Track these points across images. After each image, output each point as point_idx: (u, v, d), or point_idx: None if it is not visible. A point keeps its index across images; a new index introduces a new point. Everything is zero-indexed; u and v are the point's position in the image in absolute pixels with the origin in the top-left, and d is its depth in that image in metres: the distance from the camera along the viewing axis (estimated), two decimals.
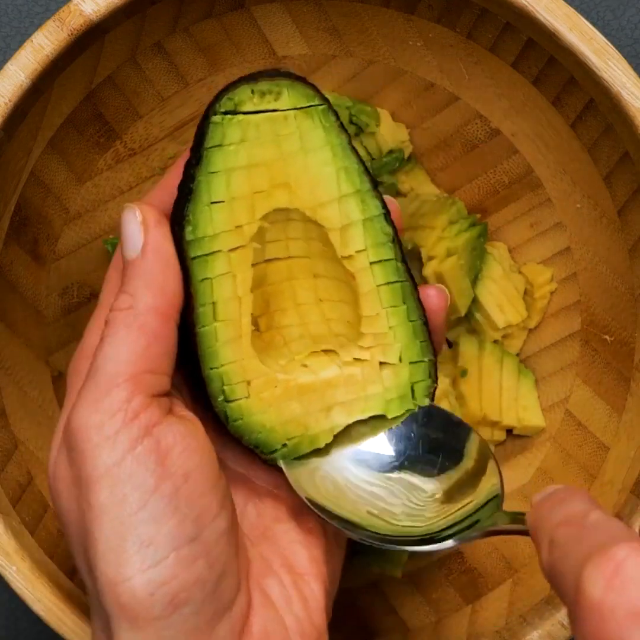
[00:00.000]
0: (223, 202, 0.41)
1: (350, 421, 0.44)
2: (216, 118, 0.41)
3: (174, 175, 0.43)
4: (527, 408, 0.55)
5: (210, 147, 0.42)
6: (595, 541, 0.33)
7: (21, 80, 0.46)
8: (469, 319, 0.55)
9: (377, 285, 0.43)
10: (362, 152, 0.55)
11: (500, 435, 0.56)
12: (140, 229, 0.40)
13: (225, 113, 0.41)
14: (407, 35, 0.52)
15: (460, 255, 0.53)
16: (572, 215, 0.54)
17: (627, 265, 0.52)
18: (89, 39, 0.47)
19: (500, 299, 0.55)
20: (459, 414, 0.54)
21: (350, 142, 0.43)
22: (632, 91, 0.46)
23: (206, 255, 0.41)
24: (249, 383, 0.42)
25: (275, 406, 0.43)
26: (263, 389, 0.42)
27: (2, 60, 0.58)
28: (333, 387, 0.44)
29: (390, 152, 0.55)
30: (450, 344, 0.56)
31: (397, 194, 0.55)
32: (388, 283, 0.43)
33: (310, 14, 0.52)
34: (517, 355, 0.56)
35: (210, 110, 0.42)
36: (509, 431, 0.56)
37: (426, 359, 0.44)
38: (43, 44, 0.46)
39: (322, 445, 0.43)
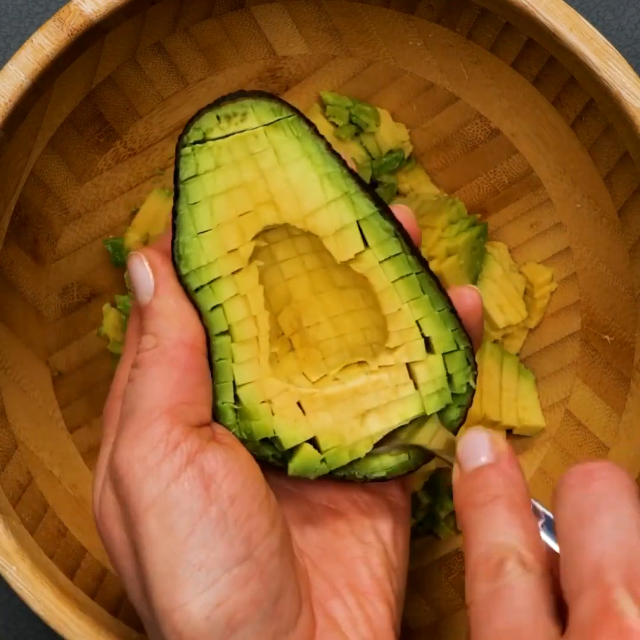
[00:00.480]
0: (210, 230, 0.42)
1: (390, 427, 0.42)
2: (186, 150, 0.42)
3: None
4: (527, 408, 0.55)
5: (186, 179, 0.42)
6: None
7: (21, 80, 0.46)
8: None
9: (392, 281, 0.42)
10: (362, 152, 0.55)
11: None
12: (149, 272, 0.41)
13: (195, 143, 0.42)
14: (407, 35, 0.52)
15: (460, 255, 0.53)
16: (572, 215, 0.54)
17: (627, 265, 0.52)
18: (89, 39, 0.47)
19: (500, 299, 0.55)
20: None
21: (328, 147, 0.42)
22: (632, 91, 0.46)
23: (207, 284, 0.41)
24: (270, 402, 0.42)
25: (303, 420, 0.42)
26: (286, 405, 0.42)
27: (2, 60, 0.58)
28: (361, 394, 0.43)
29: (390, 152, 0.55)
30: None
31: (397, 194, 0.55)
32: (402, 277, 0.42)
33: (310, 14, 0.52)
34: (517, 355, 0.56)
35: (179, 144, 0.42)
36: (509, 431, 0.56)
37: (462, 347, 0.43)
38: (43, 44, 0.46)
39: (362, 454, 0.42)
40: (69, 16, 0.46)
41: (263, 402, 0.42)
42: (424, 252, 0.53)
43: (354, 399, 0.43)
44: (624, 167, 0.49)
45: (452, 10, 0.50)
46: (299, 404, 0.42)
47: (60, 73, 0.48)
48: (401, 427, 0.43)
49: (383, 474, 0.43)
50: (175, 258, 0.41)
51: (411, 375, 0.43)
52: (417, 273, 0.42)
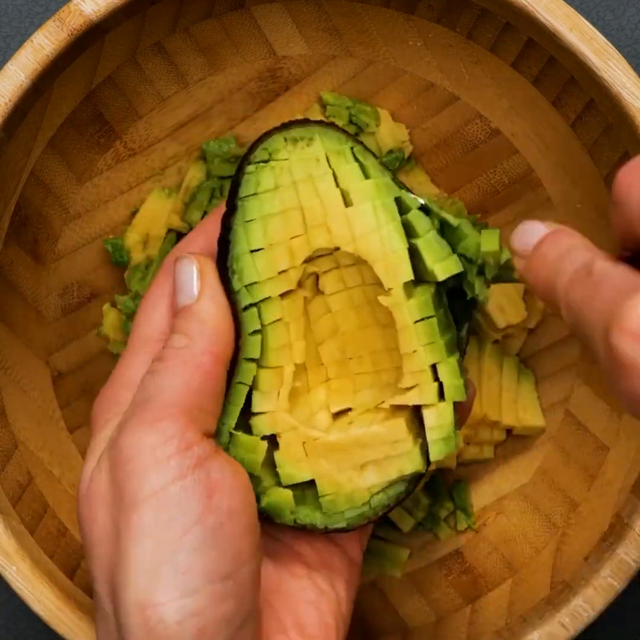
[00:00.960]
0: (262, 249, 0.42)
1: (387, 481, 0.43)
2: (250, 168, 0.42)
3: (211, 221, 0.45)
4: (527, 408, 0.55)
5: (245, 197, 0.42)
6: (609, 299, 0.33)
7: (21, 80, 0.46)
8: None
9: (414, 322, 0.42)
10: None
11: (500, 435, 0.56)
12: (197, 277, 0.42)
13: (259, 162, 0.42)
14: (407, 35, 0.52)
15: None
16: (572, 215, 0.54)
17: None
18: (89, 39, 0.47)
19: (500, 300, 0.55)
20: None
21: (394, 178, 0.43)
22: (632, 91, 0.46)
23: (258, 303, 0.42)
24: (279, 436, 0.43)
25: (305, 461, 0.43)
26: (292, 443, 0.43)
27: (2, 60, 0.58)
28: (362, 446, 0.43)
29: (390, 152, 0.55)
30: None
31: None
32: (424, 319, 0.42)
33: (310, 14, 0.52)
34: (517, 355, 0.56)
35: (244, 162, 0.42)
36: (509, 431, 0.56)
37: (463, 399, 0.43)
38: (43, 44, 0.46)
39: (359, 504, 0.43)
40: (69, 16, 0.46)
41: (264, 437, 0.42)
42: None
43: (354, 451, 0.43)
44: None
45: (452, 10, 0.50)
46: (303, 444, 0.43)
47: (60, 73, 0.48)
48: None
49: (344, 524, 0.43)
50: (228, 272, 0.42)
51: (412, 421, 0.43)
52: (437, 317, 0.43)
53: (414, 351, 0.42)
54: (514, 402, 0.55)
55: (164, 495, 0.37)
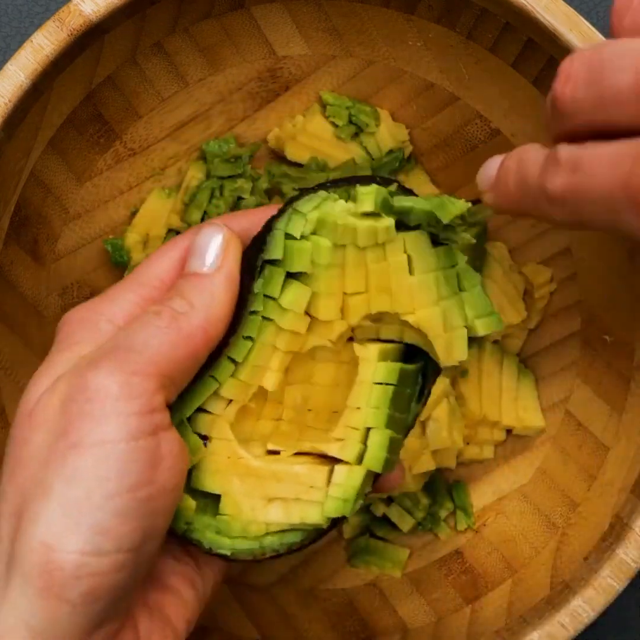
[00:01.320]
0: (305, 274, 0.41)
1: (286, 524, 0.42)
2: (337, 205, 0.41)
3: (264, 209, 0.43)
4: (527, 408, 0.55)
5: (307, 211, 0.41)
6: (611, 163, 0.34)
7: (21, 80, 0.46)
8: None
9: (374, 382, 0.42)
10: (362, 152, 0.55)
11: (500, 435, 0.56)
12: (222, 249, 0.41)
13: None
14: (407, 36, 0.52)
15: None
16: None
17: (627, 265, 0.52)
18: (89, 39, 0.47)
19: (500, 299, 0.55)
20: (459, 413, 0.54)
21: (470, 262, 0.42)
22: None
23: (266, 318, 0.41)
24: (210, 440, 0.42)
25: (218, 474, 0.42)
26: (217, 452, 0.42)
27: (2, 60, 0.58)
28: (278, 480, 0.42)
29: (390, 152, 0.55)
30: None
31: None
32: (387, 384, 0.42)
33: (310, 14, 0.52)
34: (517, 355, 0.56)
35: (329, 189, 0.41)
36: (509, 431, 0.56)
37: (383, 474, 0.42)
38: (43, 44, 0.46)
39: (251, 536, 0.42)
40: (69, 16, 0.46)
41: (203, 436, 0.41)
42: None
43: (268, 481, 0.42)
44: None
45: (452, 10, 0.50)
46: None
47: (60, 73, 0.48)
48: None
49: (228, 552, 0.42)
50: (256, 270, 0.40)
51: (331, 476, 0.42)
52: (402, 389, 0.42)
53: (358, 408, 0.42)
54: (514, 402, 0.55)
55: (111, 449, 0.36)
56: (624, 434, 0.52)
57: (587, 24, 0.46)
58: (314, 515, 0.42)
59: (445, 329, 0.41)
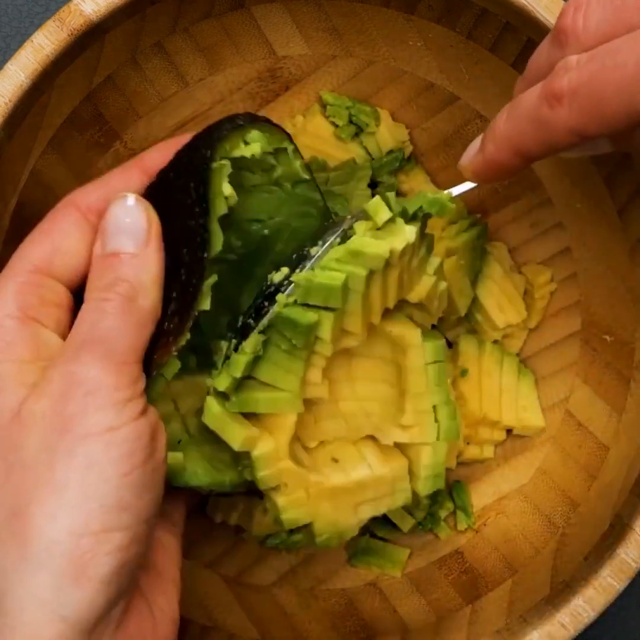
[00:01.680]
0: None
1: (378, 513, 0.45)
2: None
3: (174, 142, 0.44)
4: (527, 408, 0.55)
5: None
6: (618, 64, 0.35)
7: (21, 80, 0.46)
8: (469, 319, 0.55)
9: (426, 363, 0.45)
10: (362, 152, 0.55)
11: (500, 435, 0.56)
12: (145, 221, 0.42)
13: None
14: (407, 35, 0.52)
15: (461, 255, 0.53)
16: (572, 215, 0.54)
17: (627, 265, 0.52)
18: (89, 39, 0.47)
19: (501, 299, 0.55)
20: (459, 414, 0.54)
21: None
22: None
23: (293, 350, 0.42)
24: (285, 484, 0.43)
25: (306, 506, 0.44)
26: (296, 489, 0.43)
27: (2, 60, 0.58)
28: (363, 487, 0.44)
29: (390, 152, 0.55)
30: (450, 344, 0.56)
31: (397, 194, 0.55)
32: (435, 362, 0.45)
33: (310, 14, 0.52)
34: (517, 355, 0.56)
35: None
36: (509, 431, 0.56)
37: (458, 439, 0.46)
38: (43, 44, 0.46)
39: (348, 538, 0.45)
40: (69, 16, 0.46)
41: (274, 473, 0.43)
42: None
43: (356, 492, 0.44)
44: (624, 167, 0.49)
45: (452, 10, 0.50)
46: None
47: (60, 73, 0.48)
48: None
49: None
50: (199, 233, 0.41)
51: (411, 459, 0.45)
52: (443, 361, 0.45)
53: (421, 392, 0.44)
54: (514, 402, 0.55)
55: (118, 434, 0.38)
56: (624, 434, 0.52)
57: None
58: (402, 500, 0.45)
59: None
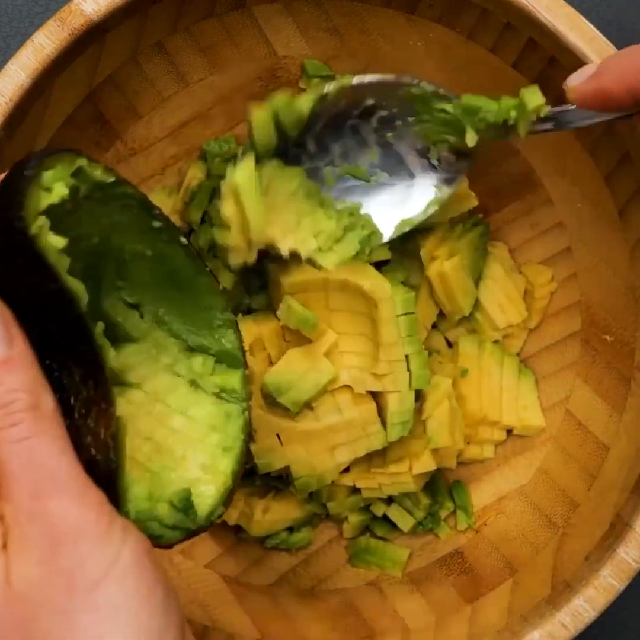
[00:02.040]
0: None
1: (356, 457, 0.48)
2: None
3: None
4: (527, 408, 0.55)
5: None
6: None
7: (22, 79, 0.46)
8: (469, 319, 0.55)
9: (397, 315, 0.47)
10: None
11: (500, 435, 0.56)
12: (4, 326, 0.37)
13: None
14: (408, 36, 0.52)
15: (463, 255, 0.53)
16: (572, 215, 0.54)
17: (627, 265, 0.52)
18: (90, 38, 0.47)
19: (501, 299, 0.55)
20: (459, 413, 0.54)
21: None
22: None
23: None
24: (255, 431, 0.45)
25: (280, 450, 0.46)
26: (266, 437, 0.46)
27: (2, 60, 0.58)
28: (334, 431, 0.47)
29: None
30: (450, 344, 0.56)
31: None
32: (406, 314, 0.47)
33: (311, 14, 0.52)
34: (517, 355, 0.56)
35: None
36: (509, 431, 0.56)
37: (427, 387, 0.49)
38: (44, 43, 0.46)
39: (329, 482, 0.48)
40: (70, 16, 0.46)
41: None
42: (425, 253, 0.53)
43: (327, 436, 0.47)
44: (624, 167, 0.49)
45: (453, 10, 0.50)
46: (277, 435, 0.47)
47: (60, 72, 0.48)
48: None
49: (160, 535, 0.41)
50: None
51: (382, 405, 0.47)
52: (413, 313, 0.47)
53: (394, 342, 0.46)
54: (514, 402, 0.55)
55: (122, 564, 0.35)
56: (624, 434, 0.52)
57: (588, 24, 0.46)
58: (377, 443, 0.48)
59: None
